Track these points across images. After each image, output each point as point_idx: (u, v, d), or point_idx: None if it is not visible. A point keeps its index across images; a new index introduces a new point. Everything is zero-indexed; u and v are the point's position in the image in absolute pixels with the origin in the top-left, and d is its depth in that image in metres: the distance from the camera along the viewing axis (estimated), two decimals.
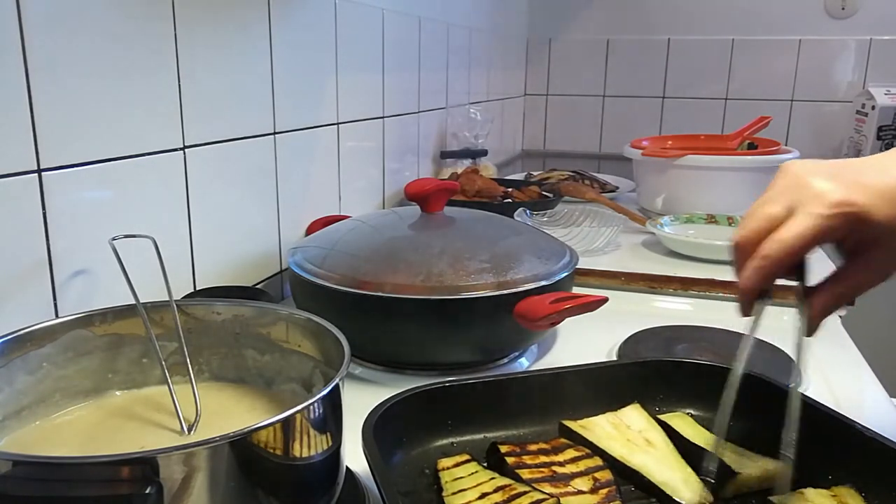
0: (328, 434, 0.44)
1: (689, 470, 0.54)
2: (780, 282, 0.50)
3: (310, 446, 0.42)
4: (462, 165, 1.66)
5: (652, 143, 1.56)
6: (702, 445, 0.56)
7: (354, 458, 0.50)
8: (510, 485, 0.50)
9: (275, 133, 0.94)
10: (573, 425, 0.59)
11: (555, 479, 0.53)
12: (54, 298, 0.61)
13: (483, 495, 0.49)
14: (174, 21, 0.73)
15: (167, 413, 0.51)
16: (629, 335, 0.84)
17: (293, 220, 1.00)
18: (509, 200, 1.42)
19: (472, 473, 0.52)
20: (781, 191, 0.48)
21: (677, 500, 0.51)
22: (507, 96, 2.32)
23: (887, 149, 2.22)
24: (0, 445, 0.47)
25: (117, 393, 0.54)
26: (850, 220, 0.45)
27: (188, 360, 0.52)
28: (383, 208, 1.33)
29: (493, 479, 0.52)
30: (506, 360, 0.79)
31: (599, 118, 2.51)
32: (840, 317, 0.96)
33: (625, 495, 0.53)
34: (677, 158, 1.40)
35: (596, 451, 0.56)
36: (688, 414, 0.63)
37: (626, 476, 0.54)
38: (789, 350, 0.79)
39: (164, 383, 0.52)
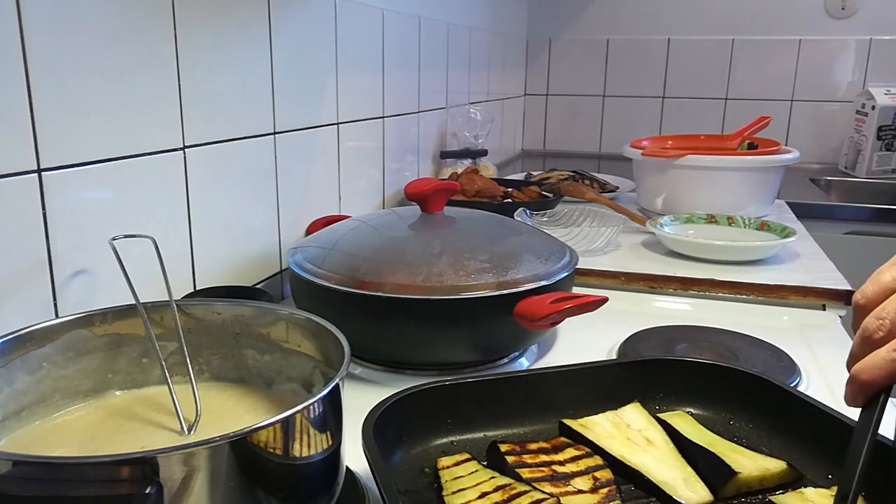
0: (328, 434, 0.44)
1: (690, 469, 0.54)
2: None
3: (310, 446, 0.42)
4: (462, 165, 1.66)
5: (652, 143, 1.56)
6: (702, 444, 0.56)
7: (354, 457, 0.50)
8: (510, 484, 0.50)
9: (275, 133, 0.94)
10: (573, 424, 0.59)
11: (555, 478, 0.53)
12: (54, 298, 0.61)
13: (483, 494, 0.49)
14: (174, 21, 0.73)
15: (167, 413, 0.51)
16: (629, 335, 0.84)
17: (293, 220, 1.00)
18: (509, 200, 1.42)
19: (472, 472, 0.52)
20: None
21: (677, 499, 0.51)
22: (507, 96, 2.32)
23: (887, 149, 2.21)
24: (0, 445, 0.47)
25: (117, 393, 0.54)
26: None
27: (188, 360, 0.52)
28: (383, 208, 1.33)
29: (493, 478, 0.52)
30: (506, 360, 0.79)
31: (599, 118, 2.51)
32: (840, 317, 0.96)
33: (625, 494, 0.53)
34: (677, 158, 1.40)
35: (596, 450, 0.56)
36: (688, 413, 0.63)
37: (626, 475, 0.54)
38: (789, 350, 0.79)
39: (164, 383, 0.52)
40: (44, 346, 0.50)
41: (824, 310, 0.98)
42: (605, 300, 0.72)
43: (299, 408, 0.41)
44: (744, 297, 1.01)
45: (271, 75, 0.92)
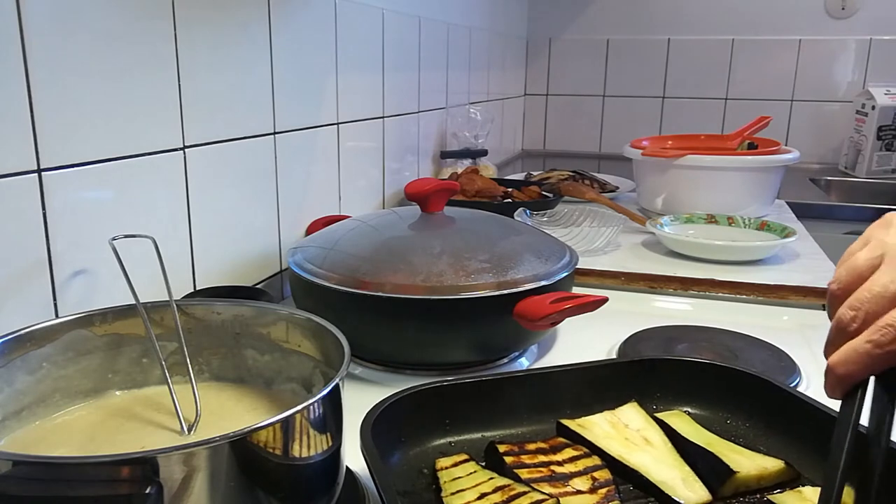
0: (328, 434, 0.44)
1: (688, 469, 0.54)
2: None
3: (310, 446, 0.42)
4: (462, 165, 1.66)
5: (652, 143, 1.56)
6: (700, 444, 0.56)
7: (354, 457, 0.50)
8: (509, 485, 0.50)
9: (275, 133, 0.94)
10: (571, 424, 0.59)
11: (553, 478, 0.53)
12: (54, 298, 0.61)
13: (482, 495, 0.49)
14: (174, 21, 0.73)
15: (167, 413, 0.51)
16: (629, 335, 0.84)
17: (293, 220, 1.00)
18: (509, 200, 1.42)
19: (471, 473, 0.52)
20: (876, 246, 0.45)
21: (676, 499, 0.51)
22: (507, 96, 2.32)
23: (887, 149, 2.21)
24: (0, 445, 0.47)
25: (117, 393, 0.54)
26: None
27: (188, 360, 0.52)
28: (383, 208, 1.33)
29: (491, 478, 0.52)
30: (506, 360, 0.79)
31: (599, 118, 2.51)
32: None
33: (624, 494, 0.53)
34: (677, 158, 1.40)
35: (594, 450, 0.56)
36: (685, 412, 0.63)
37: (624, 475, 0.54)
38: (789, 350, 0.79)
39: (164, 383, 0.52)
40: (44, 346, 0.50)
41: (824, 310, 0.98)
42: (605, 300, 0.72)
43: (299, 408, 0.41)
44: (744, 297, 1.01)
45: (271, 75, 0.92)
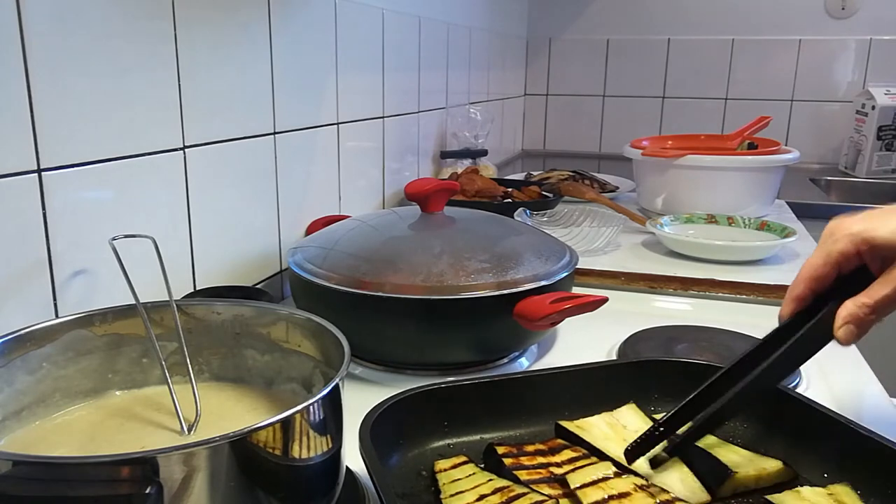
0: (328, 434, 0.44)
1: (686, 469, 0.54)
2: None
3: (310, 446, 0.42)
4: (462, 165, 1.66)
5: (652, 143, 1.56)
6: (698, 445, 0.56)
7: (354, 458, 0.50)
8: (508, 486, 0.50)
9: (275, 133, 0.94)
10: (570, 426, 0.59)
11: (553, 480, 0.53)
12: (54, 298, 0.61)
13: (481, 497, 0.49)
14: (174, 21, 0.73)
15: (167, 413, 0.51)
16: (629, 335, 0.84)
17: (293, 220, 1.00)
18: (509, 200, 1.42)
19: (470, 475, 0.52)
20: (819, 243, 0.56)
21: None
22: (507, 96, 2.32)
23: (887, 149, 2.21)
24: (0, 445, 0.47)
25: (117, 393, 0.55)
26: (857, 241, 0.53)
27: (188, 360, 0.52)
28: (383, 208, 1.33)
29: (490, 480, 0.52)
30: (506, 360, 0.79)
31: (599, 118, 2.51)
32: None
33: None
34: (677, 158, 1.40)
35: (593, 451, 0.56)
36: None
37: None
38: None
39: (164, 383, 0.52)
40: (44, 346, 0.50)
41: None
42: (605, 300, 0.72)
43: (299, 408, 0.41)
44: (744, 297, 1.01)
45: (271, 75, 0.92)
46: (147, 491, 0.35)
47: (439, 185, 0.83)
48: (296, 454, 0.41)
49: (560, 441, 0.58)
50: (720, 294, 1.02)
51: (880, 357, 0.97)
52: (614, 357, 0.80)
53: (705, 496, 0.52)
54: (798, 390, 0.68)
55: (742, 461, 0.54)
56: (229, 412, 0.53)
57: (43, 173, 0.59)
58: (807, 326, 0.54)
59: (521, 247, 0.79)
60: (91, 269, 0.65)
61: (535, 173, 1.83)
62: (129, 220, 0.69)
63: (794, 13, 2.25)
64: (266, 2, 0.89)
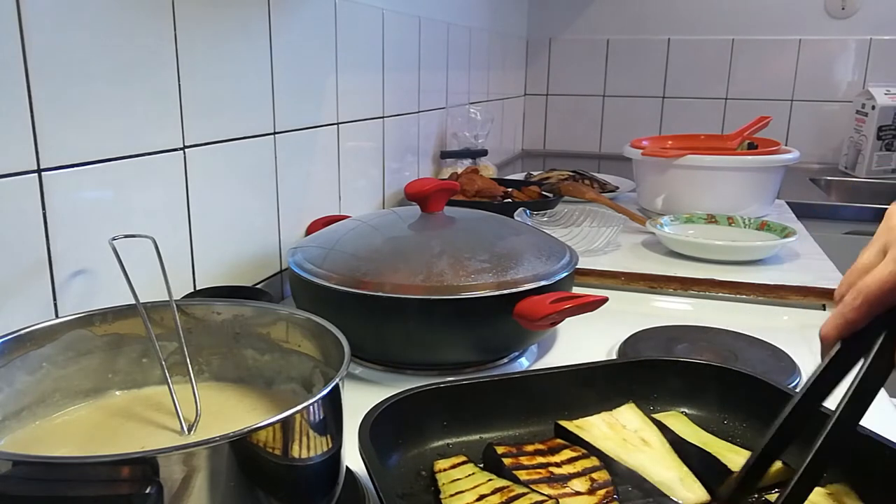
0: (328, 434, 0.44)
1: (686, 469, 0.54)
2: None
3: (310, 446, 0.42)
4: (462, 165, 1.66)
5: (652, 143, 1.56)
6: (697, 444, 0.56)
7: (354, 458, 0.50)
8: (508, 486, 0.50)
9: (275, 133, 0.94)
10: (569, 426, 0.59)
11: (552, 479, 0.53)
12: (54, 298, 0.61)
13: (481, 497, 0.50)
14: (174, 21, 0.73)
15: (167, 413, 0.51)
16: (629, 335, 0.84)
17: (293, 220, 1.00)
18: (509, 200, 1.42)
19: (470, 475, 0.52)
20: (877, 235, 0.47)
21: (675, 499, 0.51)
22: (507, 96, 2.32)
23: (887, 149, 2.21)
24: (0, 445, 0.47)
25: (117, 393, 0.55)
26: None
27: (188, 360, 0.52)
28: (383, 208, 1.33)
29: (490, 480, 0.52)
30: (506, 360, 0.79)
31: (599, 118, 2.51)
32: None
33: (622, 495, 0.53)
34: (677, 158, 1.40)
35: (592, 451, 0.56)
36: (682, 413, 0.63)
37: (622, 476, 0.54)
38: (789, 350, 0.79)
39: (164, 383, 0.52)
40: (44, 346, 0.50)
41: (824, 310, 0.98)
42: (605, 300, 0.72)
43: (299, 408, 0.41)
44: (744, 297, 1.01)
45: (271, 75, 0.92)
46: (147, 491, 0.35)
47: (439, 185, 0.83)
48: (296, 454, 0.41)
49: (560, 441, 0.58)
50: (720, 294, 1.02)
51: None
52: (614, 357, 0.80)
53: (705, 496, 0.52)
54: (798, 390, 0.68)
55: (741, 460, 0.54)
56: (229, 412, 0.53)
57: (43, 173, 0.59)
58: (866, 364, 0.46)
59: (521, 247, 0.79)
60: (91, 269, 0.65)
61: (535, 173, 1.83)
62: (129, 220, 0.69)
63: (794, 13, 2.25)
64: (266, 2, 0.89)
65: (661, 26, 2.38)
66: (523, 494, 0.49)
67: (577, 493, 0.51)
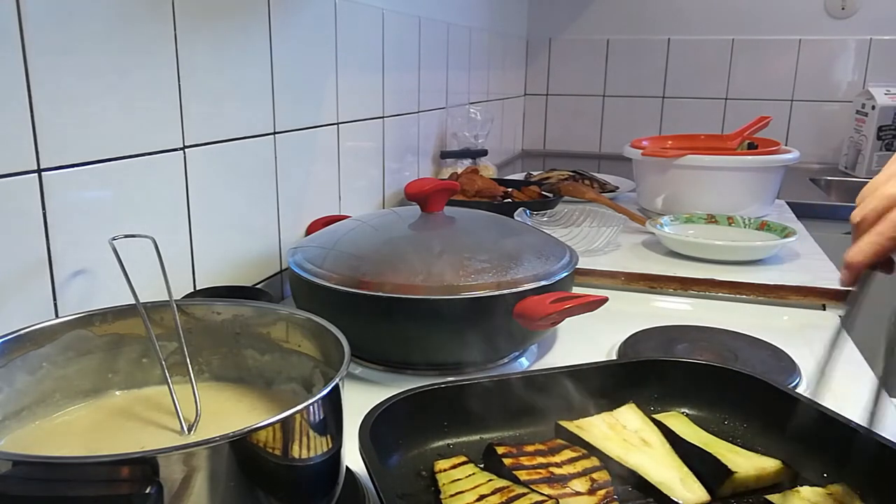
0: (328, 434, 0.44)
1: (686, 469, 0.54)
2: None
3: (310, 446, 0.42)
4: (462, 165, 1.66)
5: (652, 143, 1.56)
6: (698, 444, 0.56)
7: (354, 458, 0.50)
8: (508, 486, 0.50)
9: (275, 133, 0.94)
10: (569, 426, 0.59)
11: (552, 480, 0.53)
12: (54, 298, 0.61)
13: (481, 497, 0.50)
14: (174, 22, 0.73)
15: (167, 413, 0.51)
16: (629, 335, 0.84)
17: (293, 220, 1.00)
18: (509, 200, 1.42)
19: (470, 475, 0.52)
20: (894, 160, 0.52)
21: (675, 499, 0.51)
22: (507, 96, 2.32)
23: (887, 149, 2.21)
24: (0, 445, 0.47)
25: (117, 393, 0.55)
26: None
27: (188, 360, 0.53)
28: (383, 208, 1.33)
29: (490, 480, 0.52)
30: (506, 360, 0.79)
31: (599, 118, 2.51)
32: (840, 317, 0.96)
33: (622, 495, 0.53)
34: (677, 158, 1.40)
35: (593, 451, 0.56)
36: (683, 413, 0.63)
37: (623, 476, 0.54)
38: (789, 350, 0.79)
39: (164, 383, 0.52)
40: (44, 346, 0.50)
41: (824, 310, 0.98)
42: (605, 300, 0.72)
43: (299, 408, 0.41)
44: (744, 297, 1.01)
45: (271, 75, 0.92)
46: (147, 491, 0.35)
47: (439, 185, 0.83)
48: (296, 454, 0.41)
49: (560, 441, 0.58)
50: (720, 294, 1.02)
51: (880, 357, 0.97)
52: (614, 357, 0.80)
53: (705, 496, 0.52)
54: (798, 390, 0.68)
55: (742, 461, 0.54)
56: (229, 412, 0.53)
57: (43, 173, 0.59)
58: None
59: (521, 247, 0.79)
60: (91, 269, 0.65)
61: (535, 173, 1.83)
62: (129, 220, 0.69)
63: (794, 13, 2.25)
64: (266, 2, 0.89)
65: (661, 26, 2.38)
66: (523, 494, 0.49)
67: (578, 494, 0.51)
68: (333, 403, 0.45)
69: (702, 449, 0.55)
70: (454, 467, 0.54)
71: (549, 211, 1.31)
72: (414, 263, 0.73)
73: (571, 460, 0.55)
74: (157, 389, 0.55)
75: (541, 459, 0.55)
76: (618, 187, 1.73)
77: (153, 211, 0.73)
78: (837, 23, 2.22)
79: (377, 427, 0.52)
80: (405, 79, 1.40)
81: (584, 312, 0.70)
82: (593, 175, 1.77)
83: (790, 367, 0.75)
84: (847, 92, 2.25)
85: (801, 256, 1.22)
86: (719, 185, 1.40)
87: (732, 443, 0.58)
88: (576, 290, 0.79)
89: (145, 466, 0.36)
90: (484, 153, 1.70)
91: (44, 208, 0.59)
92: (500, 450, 0.55)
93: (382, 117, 1.29)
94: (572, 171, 1.77)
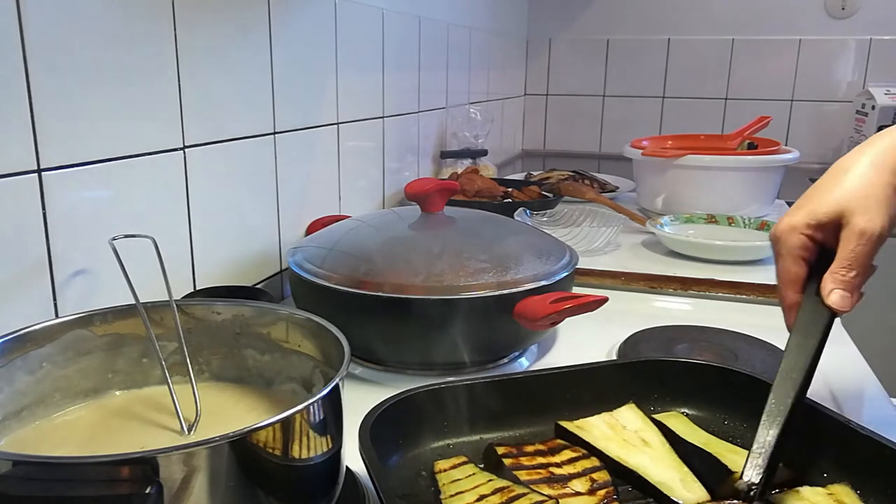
0: (328, 434, 0.44)
1: (686, 469, 0.54)
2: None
3: (310, 446, 0.42)
4: (462, 165, 1.66)
5: (652, 143, 1.56)
6: (698, 444, 0.56)
7: (354, 458, 0.50)
8: (508, 486, 0.50)
9: (275, 133, 0.94)
10: (569, 426, 0.59)
11: (552, 480, 0.53)
12: (54, 298, 0.61)
13: (481, 497, 0.49)
14: (174, 22, 0.73)
15: (167, 413, 0.51)
16: (629, 335, 0.84)
17: (293, 220, 1.00)
18: (509, 200, 1.42)
19: (470, 475, 0.52)
20: (775, 252, 0.60)
21: (675, 499, 0.51)
22: (507, 96, 2.32)
23: None
24: (0, 445, 0.47)
25: (117, 393, 0.55)
26: (806, 231, 0.57)
27: (188, 360, 0.53)
28: (383, 208, 1.33)
29: (490, 480, 0.52)
30: (506, 360, 0.79)
31: (599, 118, 2.51)
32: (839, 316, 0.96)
33: (622, 495, 0.53)
34: (677, 158, 1.40)
35: (593, 451, 0.56)
36: (683, 413, 0.63)
37: (623, 476, 0.54)
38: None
39: (164, 383, 0.52)
40: (44, 346, 0.50)
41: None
42: (605, 300, 0.72)
43: (299, 408, 0.41)
44: (744, 297, 1.01)
45: (271, 75, 0.92)
46: (147, 491, 0.35)
47: (439, 185, 0.83)
48: (296, 454, 0.41)
49: (560, 441, 0.58)
50: (720, 294, 1.02)
51: (880, 357, 0.97)
52: (614, 357, 0.80)
53: (705, 496, 0.52)
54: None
55: (741, 461, 0.54)
56: (229, 412, 0.53)
57: (43, 173, 0.59)
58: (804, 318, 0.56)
59: (521, 247, 0.79)
60: (91, 269, 0.65)
61: (535, 173, 1.83)
62: (129, 220, 0.69)
63: (794, 13, 2.25)
64: (266, 2, 0.89)
65: (661, 26, 2.38)
66: (523, 495, 0.49)
67: (578, 494, 0.51)
68: (333, 403, 0.45)
69: (702, 449, 0.55)
70: (454, 467, 0.54)
71: (549, 211, 1.31)
72: (414, 263, 0.73)
73: (571, 460, 0.55)
74: (157, 389, 0.55)
75: (541, 459, 0.55)
76: (618, 187, 1.73)
77: (153, 211, 0.73)
78: (837, 23, 2.22)
79: (377, 427, 0.52)
80: (405, 79, 1.40)
81: (584, 312, 0.70)
82: (593, 175, 1.77)
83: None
84: (847, 92, 2.25)
85: None
86: (719, 185, 1.40)
87: (732, 443, 0.58)
88: (576, 290, 0.79)
89: (145, 466, 0.36)
90: (484, 153, 1.70)
91: (44, 208, 0.59)
92: (500, 450, 0.55)
93: (382, 117, 1.29)
94: (572, 171, 1.77)
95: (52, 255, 0.61)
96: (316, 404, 0.42)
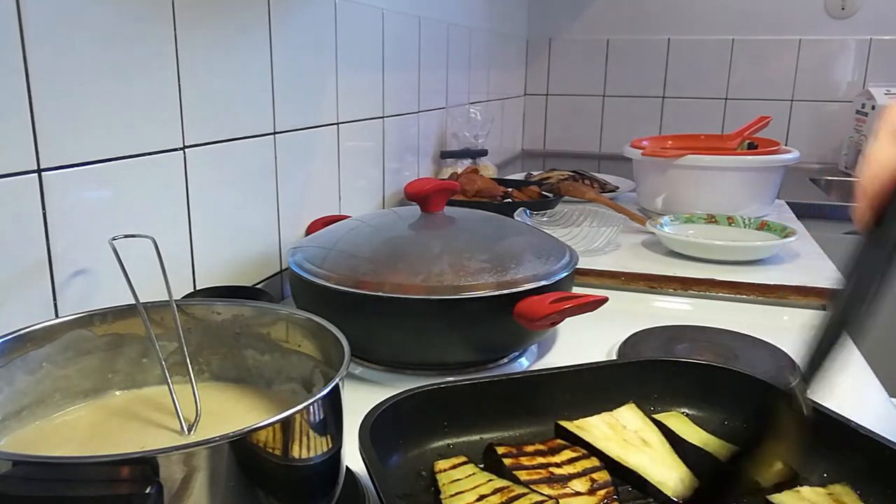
0: (328, 434, 0.44)
1: (686, 469, 0.54)
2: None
3: (310, 446, 0.42)
4: (462, 165, 1.66)
5: (652, 143, 1.56)
6: (698, 444, 0.56)
7: (354, 458, 0.50)
8: (508, 486, 0.50)
9: (275, 133, 0.94)
10: (569, 426, 0.59)
11: (552, 480, 0.53)
12: (54, 298, 0.61)
13: (481, 497, 0.50)
14: (174, 22, 0.73)
15: (167, 413, 0.51)
16: (629, 335, 0.84)
17: (293, 220, 1.00)
18: (509, 200, 1.42)
19: (470, 475, 0.52)
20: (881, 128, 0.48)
21: (675, 499, 0.51)
22: (507, 96, 2.32)
23: None
24: (0, 445, 0.47)
25: (117, 393, 0.55)
26: None
27: (188, 360, 0.52)
28: (383, 208, 1.33)
29: (490, 480, 0.52)
30: (506, 360, 0.79)
31: (599, 118, 2.51)
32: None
33: (622, 495, 0.53)
34: (677, 158, 1.40)
35: (593, 451, 0.56)
36: (682, 413, 0.63)
37: (623, 476, 0.54)
38: (789, 350, 0.79)
39: (164, 383, 0.52)
40: (44, 346, 0.50)
41: (824, 310, 0.98)
42: (605, 300, 0.72)
43: (299, 408, 0.41)
44: (744, 297, 1.01)
45: (271, 75, 0.92)
46: (147, 491, 0.35)
47: (439, 185, 0.83)
48: (296, 454, 0.41)
49: (560, 441, 0.58)
50: (720, 294, 1.02)
51: (880, 357, 0.97)
52: (614, 357, 0.80)
53: (705, 496, 0.52)
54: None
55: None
56: (229, 412, 0.53)
57: (43, 173, 0.59)
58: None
59: (521, 247, 0.79)
60: (91, 269, 0.65)
61: (535, 173, 1.83)
62: (129, 220, 0.69)
63: (794, 13, 2.25)
64: (266, 2, 0.89)
65: (661, 26, 2.38)
66: (523, 495, 0.49)
67: (578, 494, 0.51)
68: (333, 403, 0.45)
69: (701, 449, 0.55)
70: (454, 467, 0.54)
71: (549, 211, 1.31)
72: (414, 263, 0.73)
73: (571, 460, 0.55)
74: (157, 389, 0.55)
75: (541, 459, 0.55)
76: (618, 187, 1.73)
77: (153, 211, 0.73)
78: (837, 23, 2.23)
79: (377, 427, 0.52)
80: (405, 79, 1.40)
81: (584, 312, 0.70)
82: (593, 175, 1.77)
83: (790, 368, 0.75)
84: (847, 92, 2.25)
85: (801, 256, 1.22)
86: (719, 185, 1.40)
87: (732, 443, 0.58)
88: (576, 290, 0.79)
89: (145, 466, 0.36)
90: (484, 153, 1.70)
91: (44, 208, 0.59)
92: (500, 450, 0.55)
93: (382, 117, 1.29)
94: (572, 171, 1.77)
95: (52, 255, 0.61)
96: (316, 404, 0.42)
